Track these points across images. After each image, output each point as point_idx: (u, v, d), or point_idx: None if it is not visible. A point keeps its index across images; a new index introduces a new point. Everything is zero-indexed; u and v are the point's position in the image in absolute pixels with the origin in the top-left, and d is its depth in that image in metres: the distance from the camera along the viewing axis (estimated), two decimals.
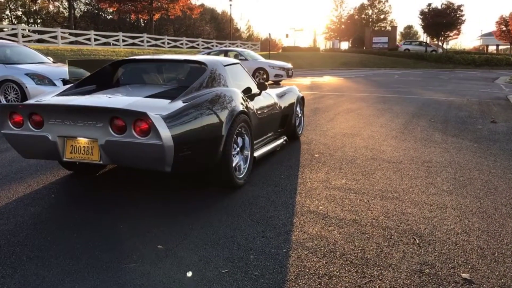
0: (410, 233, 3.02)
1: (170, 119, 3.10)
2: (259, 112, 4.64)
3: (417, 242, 2.88)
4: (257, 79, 16.74)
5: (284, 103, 5.57)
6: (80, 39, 25.92)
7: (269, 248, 2.76)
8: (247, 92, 4.67)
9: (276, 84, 16.86)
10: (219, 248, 2.75)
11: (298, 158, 5.09)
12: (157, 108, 3.21)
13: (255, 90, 4.84)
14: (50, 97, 3.73)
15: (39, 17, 62.75)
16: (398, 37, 63.93)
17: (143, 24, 58.41)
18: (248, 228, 3.06)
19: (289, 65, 17.66)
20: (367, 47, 48.85)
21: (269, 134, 5.14)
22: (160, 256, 2.62)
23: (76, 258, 2.59)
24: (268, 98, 5.11)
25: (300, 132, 6.25)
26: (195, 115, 3.33)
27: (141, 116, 3.00)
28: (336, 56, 41.80)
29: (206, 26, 67.68)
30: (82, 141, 3.24)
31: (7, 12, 60.03)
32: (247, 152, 4.13)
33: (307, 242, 2.85)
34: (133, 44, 28.26)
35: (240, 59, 17.06)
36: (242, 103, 4.01)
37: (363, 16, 67.52)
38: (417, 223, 3.19)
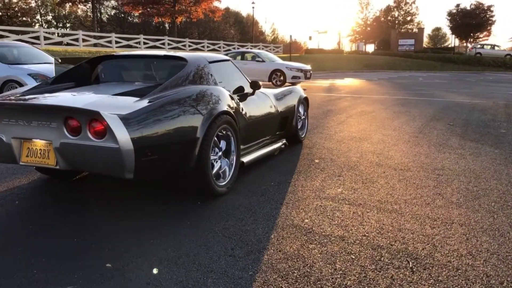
0: (404, 254, 2.57)
1: (130, 119, 2.75)
2: (251, 113, 4.26)
3: (411, 265, 2.43)
4: (274, 81, 16.37)
5: (283, 103, 5.17)
6: (102, 41, 26.12)
7: (234, 269, 2.37)
8: (238, 91, 4.30)
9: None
10: (176, 268, 2.37)
11: (295, 164, 4.67)
12: (119, 108, 2.86)
13: (248, 89, 4.47)
14: (13, 95, 3.45)
15: (68, 21, 64.19)
16: (425, 39, 62.43)
17: (168, 28, 58.95)
18: (216, 245, 2.67)
19: (307, 67, 17.18)
20: (393, 49, 47.82)
21: (265, 137, 4.75)
22: (104, 277, 2.27)
23: (10, 277, 2.26)
24: (263, 98, 4.73)
25: (303, 136, 5.83)
26: (163, 115, 2.97)
27: (95, 116, 2.66)
28: (360, 59, 40.99)
29: (231, 30, 67.84)
30: (39, 143, 2.93)
31: (38, 16, 61.68)
32: (232, 157, 3.76)
33: (279, 263, 2.44)
34: (154, 46, 28.32)
35: (256, 61, 16.77)
36: (227, 103, 3.64)
37: (389, 18, 66.26)
38: (415, 242, 2.74)
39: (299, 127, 5.67)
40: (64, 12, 61.87)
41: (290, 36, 33.72)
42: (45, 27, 55.04)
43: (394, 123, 7.60)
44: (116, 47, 25.68)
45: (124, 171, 2.76)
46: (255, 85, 4.47)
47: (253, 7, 44.48)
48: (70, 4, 48.54)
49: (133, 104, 2.96)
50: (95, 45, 25.70)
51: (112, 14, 61.97)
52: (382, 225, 3.01)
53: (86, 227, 2.92)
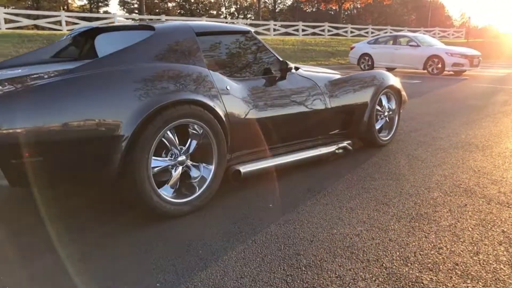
0: None
1: None
2: (272, 104, 3.15)
3: None
4: (430, 69, 13.99)
5: (345, 93, 3.84)
6: (289, 30, 26.64)
7: None
8: (263, 74, 3.25)
9: (457, 75, 13.84)
10: None
11: (333, 176, 3.36)
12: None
13: (275, 72, 3.34)
14: None
15: (248, 12, 68.13)
16: None
17: (343, 15, 57.63)
18: None
19: (475, 52, 14.19)
20: None
21: (304, 138, 3.55)
22: None
23: None
24: (302, 84, 3.52)
25: (386, 139, 4.33)
26: (57, 101, 2.14)
27: None
28: None
29: (412, 16, 62.76)
30: None
31: (222, 9, 66.92)
32: (210, 166, 2.75)
33: None
34: (313, 33, 27.66)
35: (410, 46, 14.57)
36: (200, 89, 2.64)
37: None
38: None
39: (377, 126, 4.22)
40: (245, 4, 65.86)
41: (469, 18, 28.98)
42: (229, 18, 59.51)
43: None
44: (302, 35, 25.92)
45: None
46: (283, 66, 3.31)
47: None
48: None
49: (23, 89, 2.21)
50: (282, 34, 26.40)
51: (289, 4, 63.45)
52: None
53: None
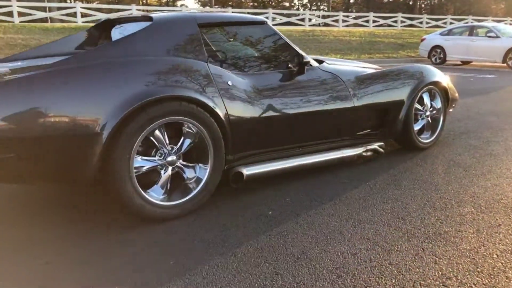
0: None
1: None
2: (280, 100, 2.90)
3: None
4: (510, 62, 12.71)
5: (375, 90, 3.46)
6: (359, 21, 25.87)
7: None
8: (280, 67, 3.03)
9: None
10: None
11: (351, 181, 3.03)
12: None
13: (293, 66, 3.07)
14: None
15: (322, 3, 66.87)
16: None
17: (422, 6, 54.57)
18: None
19: None
20: None
21: (323, 139, 3.25)
22: None
23: None
24: (323, 78, 3.22)
25: (427, 141, 3.87)
26: (30, 96, 2.06)
27: None
28: None
29: (501, 4, 57.99)
30: None
31: (295, 0, 66.28)
32: (206, 167, 2.57)
33: None
34: (385, 24, 26.42)
35: (488, 37, 13.34)
36: (193, 84, 2.45)
37: None
38: None
39: (417, 127, 3.79)
40: None
41: None
42: (302, 9, 58.83)
43: None
44: (373, 26, 25.07)
45: None
46: (300, 60, 3.03)
47: None
48: None
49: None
50: (353, 25, 25.74)
51: None
52: None
53: None
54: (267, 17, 21.87)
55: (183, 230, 2.34)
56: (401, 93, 3.57)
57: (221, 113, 2.55)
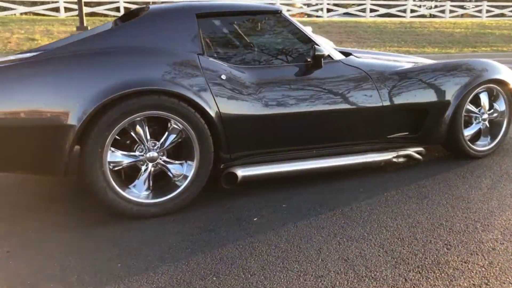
0: None
1: None
2: (288, 96, 2.66)
3: None
4: None
5: (412, 87, 3.02)
6: (470, 11, 23.88)
7: None
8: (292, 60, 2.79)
9: None
10: None
11: (367, 191, 2.66)
12: None
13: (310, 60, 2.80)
14: None
15: None
16: None
17: None
18: None
19: None
20: None
21: (346, 141, 2.91)
22: None
23: None
24: (345, 73, 2.88)
25: (483, 149, 3.29)
26: (1, 87, 2.10)
27: None
28: None
29: None
30: None
31: None
32: (191, 165, 2.43)
33: None
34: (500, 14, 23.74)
35: None
36: (176, 77, 2.33)
37: None
38: None
39: (469, 132, 3.24)
40: None
41: None
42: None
43: None
44: (486, 17, 22.99)
45: None
46: (315, 53, 2.73)
47: None
48: None
49: None
50: (462, 15, 23.89)
51: None
52: None
53: None
54: (364, 9, 20.95)
55: (158, 233, 2.23)
56: (445, 92, 3.07)
57: (209, 109, 2.39)
